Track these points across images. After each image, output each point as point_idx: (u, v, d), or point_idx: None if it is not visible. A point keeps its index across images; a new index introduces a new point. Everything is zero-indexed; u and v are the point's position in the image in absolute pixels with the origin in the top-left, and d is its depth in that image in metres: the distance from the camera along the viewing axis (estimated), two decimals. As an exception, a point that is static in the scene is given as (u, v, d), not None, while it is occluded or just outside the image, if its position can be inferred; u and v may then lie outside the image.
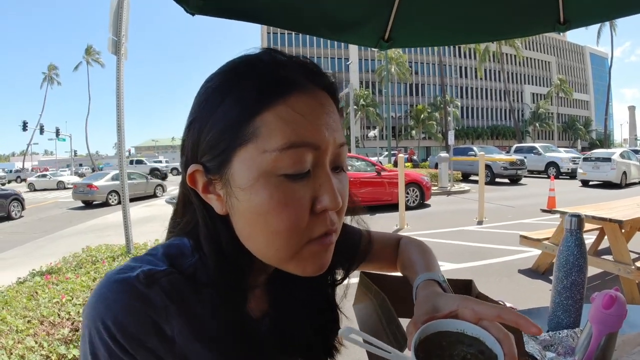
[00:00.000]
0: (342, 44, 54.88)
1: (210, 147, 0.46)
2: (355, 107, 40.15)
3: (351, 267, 0.70)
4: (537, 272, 4.63)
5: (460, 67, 65.52)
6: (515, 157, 17.19)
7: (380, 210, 9.47)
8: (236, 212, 0.46)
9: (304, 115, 0.44)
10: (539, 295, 3.90)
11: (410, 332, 0.46)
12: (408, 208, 9.45)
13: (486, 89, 67.13)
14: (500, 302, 0.52)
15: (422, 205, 10.59)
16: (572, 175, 18.92)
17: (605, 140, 56.45)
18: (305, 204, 0.45)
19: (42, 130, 39.07)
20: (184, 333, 0.46)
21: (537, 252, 4.76)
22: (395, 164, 11.21)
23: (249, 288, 0.52)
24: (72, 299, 2.48)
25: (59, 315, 2.25)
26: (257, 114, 0.43)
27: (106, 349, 0.42)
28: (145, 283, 0.45)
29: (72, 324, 2.12)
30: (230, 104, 0.45)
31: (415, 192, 10.55)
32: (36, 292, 2.77)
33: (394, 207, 8.68)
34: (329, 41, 57.57)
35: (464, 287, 0.73)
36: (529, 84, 69.93)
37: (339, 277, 0.69)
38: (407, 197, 10.09)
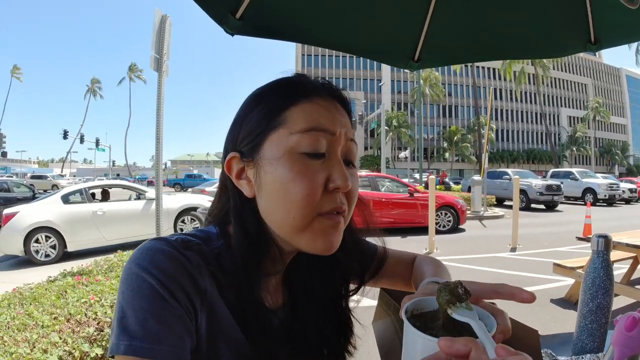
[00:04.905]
0: (375, 65, 55.29)
1: (248, 134, 0.57)
2: (386, 127, 40.14)
3: (365, 276, 0.72)
4: (569, 301, 4.41)
5: (495, 89, 64.40)
6: (551, 182, 16.60)
7: (412, 232, 9.30)
8: (262, 189, 0.56)
9: (322, 111, 0.56)
10: (570, 325, 3.68)
11: (404, 303, 0.48)
12: (440, 232, 9.26)
13: (522, 112, 65.57)
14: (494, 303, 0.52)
15: (456, 229, 10.28)
16: (609, 202, 18.11)
17: (643, 166, 53.43)
18: (319, 180, 0.54)
19: (82, 140, 40.96)
20: (213, 292, 0.54)
21: (571, 281, 4.55)
22: (427, 186, 11.03)
23: (267, 274, 0.59)
24: (101, 300, 2.53)
25: (85, 314, 2.29)
26: (287, 107, 0.56)
27: (148, 287, 0.48)
28: (182, 246, 0.53)
29: (98, 324, 2.16)
30: (266, 103, 0.58)
31: (449, 215, 10.24)
32: (65, 291, 2.84)
33: (426, 230, 8.46)
34: (361, 63, 58.12)
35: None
36: (565, 106, 67.86)
37: (353, 287, 0.72)
38: (439, 220, 9.87)
